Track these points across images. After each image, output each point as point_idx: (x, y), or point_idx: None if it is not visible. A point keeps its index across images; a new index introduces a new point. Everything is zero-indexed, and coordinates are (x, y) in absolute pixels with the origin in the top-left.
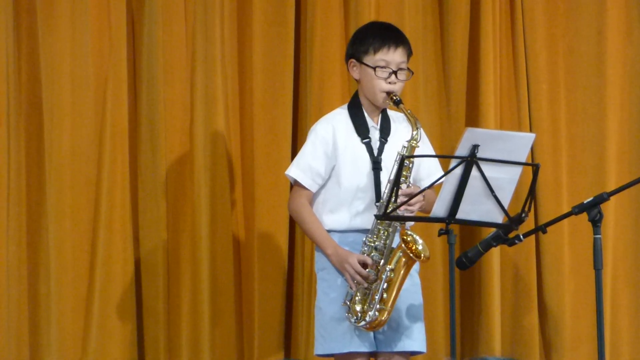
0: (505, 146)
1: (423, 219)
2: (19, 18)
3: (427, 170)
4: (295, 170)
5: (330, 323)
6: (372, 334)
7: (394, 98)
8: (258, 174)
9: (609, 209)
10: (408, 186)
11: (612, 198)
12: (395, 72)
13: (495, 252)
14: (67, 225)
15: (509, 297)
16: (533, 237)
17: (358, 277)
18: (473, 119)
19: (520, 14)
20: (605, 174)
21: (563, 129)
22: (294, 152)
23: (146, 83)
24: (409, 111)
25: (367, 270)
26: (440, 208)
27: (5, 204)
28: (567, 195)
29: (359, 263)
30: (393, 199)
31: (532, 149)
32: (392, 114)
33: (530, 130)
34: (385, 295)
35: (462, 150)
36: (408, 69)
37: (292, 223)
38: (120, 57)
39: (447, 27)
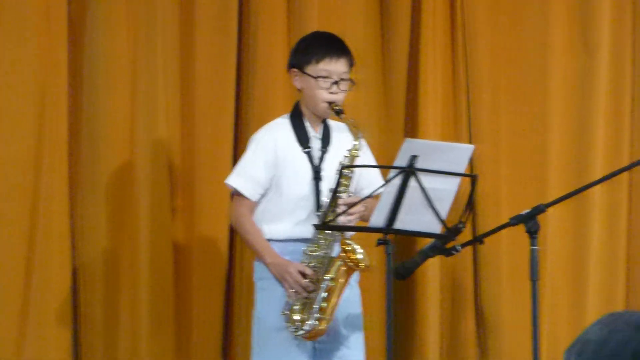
0: (444, 157)
1: (361, 228)
2: None
3: (367, 180)
4: (236, 179)
5: (269, 333)
6: (310, 343)
7: (336, 108)
8: (199, 183)
9: (549, 220)
10: (349, 196)
11: (552, 209)
12: (337, 82)
13: (435, 262)
14: (3, 234)
15: (448, 306)
16: (471, 247)
17: (297, 287)
18: (413, 129)
19: (461, 25)
20: (545, 186)
21: (503, 140)
22: (236, 161)
23: (87, 91)
24: (350, 120)
25: (306, 280)
26: (378, 218)
27: None
28: (506, 206)
29: (299, 273)
30: (333, 209)
31: (471, 159)
32: (334, 123)
33: (470, 141)
34: (324, 305)
35: (401, 160)
36: (350, 79)
37: (232, 231)
38: (61, 66)
39: (388, 37)
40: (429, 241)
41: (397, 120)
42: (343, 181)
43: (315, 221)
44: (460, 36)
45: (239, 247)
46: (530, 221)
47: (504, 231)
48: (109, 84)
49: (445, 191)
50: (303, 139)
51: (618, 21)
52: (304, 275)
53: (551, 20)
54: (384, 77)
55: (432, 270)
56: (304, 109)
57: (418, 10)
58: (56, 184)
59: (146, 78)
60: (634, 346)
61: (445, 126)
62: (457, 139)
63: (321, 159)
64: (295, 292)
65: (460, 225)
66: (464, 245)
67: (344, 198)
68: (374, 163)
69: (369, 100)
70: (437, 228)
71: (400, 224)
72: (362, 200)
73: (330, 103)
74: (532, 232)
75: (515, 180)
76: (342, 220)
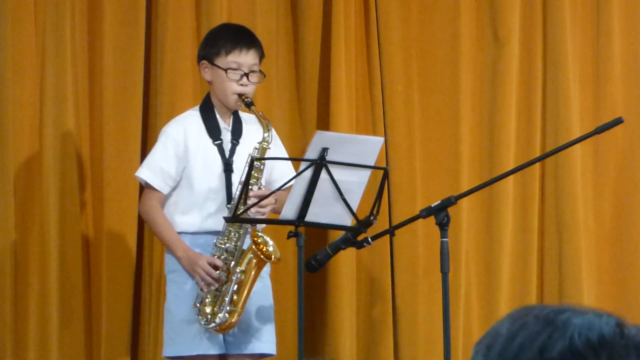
0: (355, 149)
1: (272, 221)
2: None
3: (280, 172)
4: (146, 172)
5: (180, 325)
6: (221, 336)
7: (246, 100)
8: (107, 175)
9: (461, 212)
10: (259, 188)
11: (465, 202)
12: (247, 75)
13: (351, 254)
14: None
15: (363, 299)
16: (388, 239)
17: (208, 279)
18: (325, 122)
19: (374, 16)
20: (459, 178)
21: (417, 132)
22: (144, 153)
23: None
24: (260, 113)
25: (217, 272)
26: (289, 210)
27: None
28: (421, 198)
29: (210, 265)
30: (243, 201)
31: (386, 151)
32: (245, 115)
33: (385, 133)
34: (235, 297)
35: (312, 153)
36: (260, 71)
37: (141, 224)
38: None
39: (300, 29)
40: (340, 233)
41: (309, 113)
42: (253, 173)
43: (226, 214)
44: (372, 28)
45: (148, 240)
46: (440, 213)
47: (420, 224)
48: (17, 75)
49: (355, 183)
50: (214, 131)
51: (528, 13)
52: (215, 267)
53: (462, 11)
54: (296, 70)
55: (349, 262)
56: (214, 101)
57: (329, 3)
58: None
59: (54, 69)
60: (542, 341)
61: (359, 119)
62: (372, 132)
63: (232, 151)
64: (207, 284)
65: (372, 218)
66: (374, 237)
67: (254, 190)
68: (285, 155)
69: (281, 93)
70: (348, 220)
71: (311, 216)
72: (273, 192)
73: (240, 95)
74: (443, 225)
75: (429, 172)
76: (253, 212)
